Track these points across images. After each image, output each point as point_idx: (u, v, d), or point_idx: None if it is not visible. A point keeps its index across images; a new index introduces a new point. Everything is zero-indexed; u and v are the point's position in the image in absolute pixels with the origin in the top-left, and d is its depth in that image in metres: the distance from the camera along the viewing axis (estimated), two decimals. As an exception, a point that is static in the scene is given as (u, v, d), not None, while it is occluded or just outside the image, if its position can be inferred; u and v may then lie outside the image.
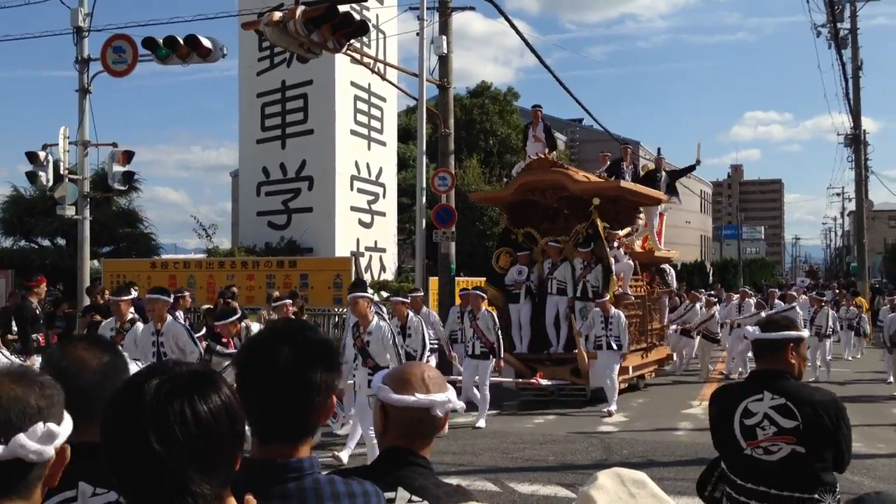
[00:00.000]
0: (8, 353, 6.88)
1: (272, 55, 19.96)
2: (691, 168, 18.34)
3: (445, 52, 16.23)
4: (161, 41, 15.09)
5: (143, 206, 27.24)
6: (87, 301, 14.76)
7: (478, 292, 12.27)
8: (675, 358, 17.46)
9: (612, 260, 13.38)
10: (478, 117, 35.43)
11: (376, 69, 16.89)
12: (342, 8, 12.09)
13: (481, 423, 11.18)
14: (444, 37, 16.16)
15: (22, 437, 1.30)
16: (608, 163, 16.97)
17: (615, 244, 13.83)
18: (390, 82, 18.38)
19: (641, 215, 16.38)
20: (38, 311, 12.56)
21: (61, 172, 15.57)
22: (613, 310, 12.50)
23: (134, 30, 16.31)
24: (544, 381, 12.98)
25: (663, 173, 17.05)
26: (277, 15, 11.22)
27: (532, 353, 13.77)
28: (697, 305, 17.65)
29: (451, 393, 2.06)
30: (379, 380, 2.09)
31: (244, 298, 15.70)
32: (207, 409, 1.32)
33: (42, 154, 15.31)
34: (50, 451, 1.36)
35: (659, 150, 19.10)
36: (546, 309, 13.75)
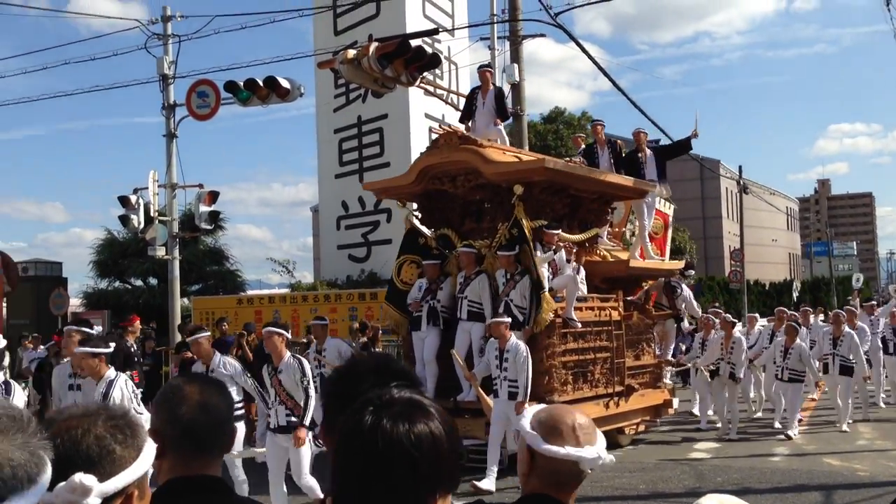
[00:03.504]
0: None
1: (347, 92, 20.37)
2: (686, 144, 13.45)
3: (517, 79, 16.26)
4: (242, 84, 15.63)
5: (228, 244, 28.11)
6: (178, 338, 15.20)
7: (271, 328, 7.63)
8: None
9: (543, 270, 9.79)
10: (552, 143, 35.35)
11: (450, 100, 17.04)
12: (414, 42, 12.29)
13: None
14: (516, 65, 16.21)
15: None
16: (582, 146, 13.85)
17: (552, 249, 9.99)
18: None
19: (651, 217, 13.17)
20: (133, 350, 12.98)
21: (151, 215, 16.21)
22: (512, 339, 8.94)
23: (215, 74, 16.98)
24: None
25: (647, 152, 12.87)
26: (351, 52, 11.48)
27: (439, 399, 9.76)
28: (713, 334, 12.91)
29: (600, 445, 1.99)
30: (525, 422, 2.01)
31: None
32: (429, 429, 1.39)
33: (133, 198, 15.98)
34: (88, 502, 1.32)
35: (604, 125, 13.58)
36: (455, 339, 10.04)
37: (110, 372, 6.60)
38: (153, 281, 24.73)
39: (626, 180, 11.78)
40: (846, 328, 13.24)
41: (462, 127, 11.97)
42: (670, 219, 14.60)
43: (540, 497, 2.00)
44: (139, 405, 6.82)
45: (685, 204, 52.42)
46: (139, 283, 25.51)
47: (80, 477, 1.32)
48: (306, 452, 7.45)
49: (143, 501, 1.47)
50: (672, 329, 13.23)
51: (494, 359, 9.03)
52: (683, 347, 14.83)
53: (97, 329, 11.45)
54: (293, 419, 7.36)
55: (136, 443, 1.45)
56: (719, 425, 12.54)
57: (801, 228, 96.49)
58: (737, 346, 12.44)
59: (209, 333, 8.86)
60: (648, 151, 12.83)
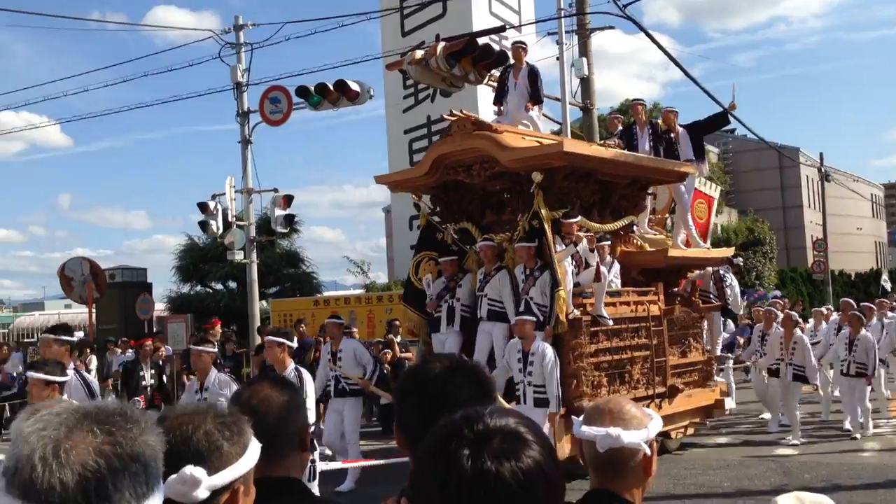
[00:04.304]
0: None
1: (416, 92, 20.49)
2: (722, 117, 12.46)
3: (586, 73, 16.10)
4: (313, 89, 15.90)
5: (304, 247, 28.57)
6: (258, 340, 15.53)
7: (272, 338, 7.24)
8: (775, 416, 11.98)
9: (565, 265, 8.94)
10: (624, 136, 34.85)
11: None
12: (481, 40, 12.30)
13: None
14: (584, 59, 16.05)
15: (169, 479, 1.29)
16: (620, 127, 12.85)
17: (571, 241, 9.08)
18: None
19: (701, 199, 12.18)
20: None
21: (229, 220, 16.60)
22: (538, 341, 8.31)
23: (286, 80, 17.29)
24: None
25: (679, 130, 11.81)
26: (419, 53, 11.54)
27: None
28: (774, 328, 11.76)
29: (634, 432, 1.99)
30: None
31: (404, 331, 16.04)
32: (534, 460, 1.19)
33: (212, 204, 16.39)
34: (198, 494, 1.39)
35: (635, 104, 12.95)
36: (476, 342, 9.34)
37: (62, 399, 5.58)
38: (232, 284, 25.31)
39: (661, 162, 10.80)
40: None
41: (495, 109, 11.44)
42: (715, 202, 13.55)
43: (599, 493, 2.01)
44: None
45: (764, 194, 51.01)
46: (219, 286, 26.15)
47: (190, 469, 1.39)
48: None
49: (248, 498, 1.52)
50: (719, 322, 12.24)
51: (517, 362, 8.33)
52: (741, 340, 13.83)
53: (79, 335, 10.87)
54: None
55: (243, 440, 1.51)
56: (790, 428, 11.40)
57: (888, 216, 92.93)
58: (799, 347, 11.25)
59: (214, 350, 7.95)
60: (681, 129, 11.80)
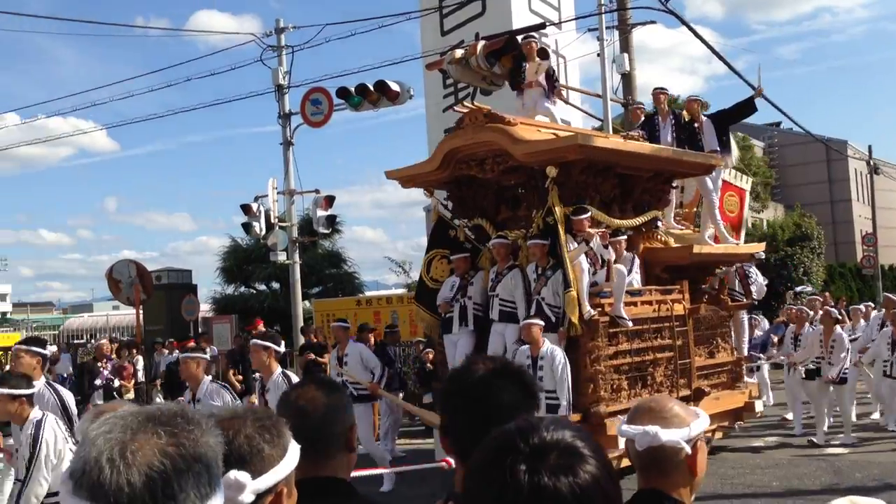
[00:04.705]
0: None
1: (456, 91, 20.44)
2: (747, 105, 11.52)
3: (628, 69, 15.96)
4: (353, 90, 15.99)
5: (345, 247, 28.70)
6: (301, 340, 15.66)
7: (257, 342, 6.72)
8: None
9: (580, 263, 8.48)
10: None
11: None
12: (521, 38, 12.23)
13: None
14: (626, 54, 15.91)
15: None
16: (642, 118, 12.31)
17: (583, 238, 8.56)
18: (574, 106, 18.29)
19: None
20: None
21: (272, 221, 16.77)
22: (547, 345, 7.97)
23: (327, 81, 17.44)
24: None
25: (703, 119, 11.17)
26: (459, 52, 11.55)
27: None
28: (807, 328, 11.56)
29: (673, 431, 1.97)
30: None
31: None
32: (591, 475, 1.16)
33: (254, 205, 16.57)
34: (243, 498, 1.41)
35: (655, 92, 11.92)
36: (489, 343, 8.88)
37: (35, 412, 5.28)
38: (276, 285, 25.54)
39: (683, 154, 10.23)
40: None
41: (519, 102, 11.01)
42: (747, 194, 12.72)
43: (647, 492, 2.01)
44: (74, 445, 5.27)
45: (810, 188, 50.01)
46: (263, 287, 26.40)
47: (234, 474, 1.41)
48: None
49: (290, 499, 1.53)
50: (745, 320, 11.77)
51: (527, 367, 7.66)
52: (775, 339, 13.40)
53: (52, 349, 10.18)
54: None
55: (282, 442, 1.53)
56: (817, 431, 10.98)
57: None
58: (837, 344, 10.83)
59: (205, 356, 6.99)
60: (705, 119, 11.17)
